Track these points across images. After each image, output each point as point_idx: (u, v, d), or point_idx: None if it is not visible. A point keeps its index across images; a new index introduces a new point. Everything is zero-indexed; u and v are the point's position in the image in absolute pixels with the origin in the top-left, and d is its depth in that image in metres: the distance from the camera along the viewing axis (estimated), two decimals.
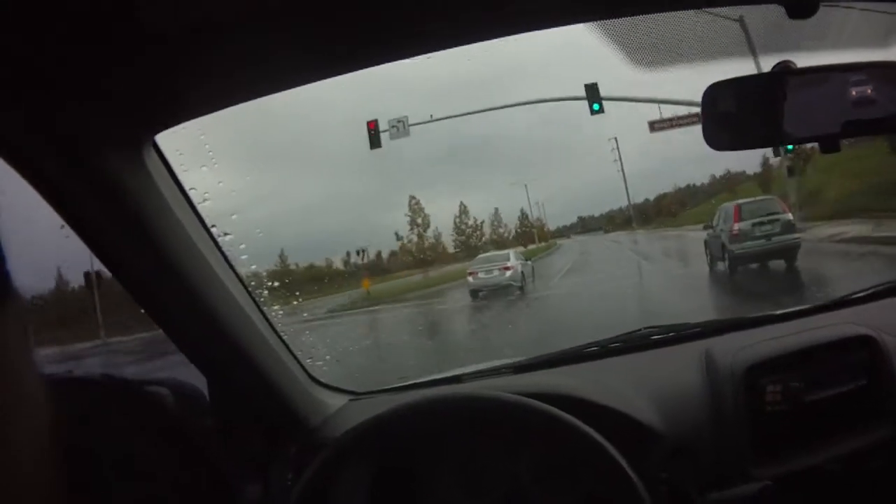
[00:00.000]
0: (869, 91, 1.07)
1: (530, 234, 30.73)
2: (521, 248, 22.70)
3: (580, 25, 1.11)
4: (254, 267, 1.60)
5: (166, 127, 1.14)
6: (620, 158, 27.06)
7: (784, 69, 1.06)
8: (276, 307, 1.67)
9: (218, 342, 1.34)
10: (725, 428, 1.47)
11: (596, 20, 1.16)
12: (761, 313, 1.83)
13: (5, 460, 0.41)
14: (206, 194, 1.34)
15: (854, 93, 1.07)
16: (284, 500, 1.34)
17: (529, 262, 17.22)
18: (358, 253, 20.11)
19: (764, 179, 21.33)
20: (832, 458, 1.46)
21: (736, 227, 11.31)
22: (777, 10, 1.03)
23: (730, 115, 1.11)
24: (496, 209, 31.22)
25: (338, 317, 15.31)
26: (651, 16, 1.26)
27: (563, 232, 33.28)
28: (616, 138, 26.52)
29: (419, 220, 28.33)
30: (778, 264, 11.05)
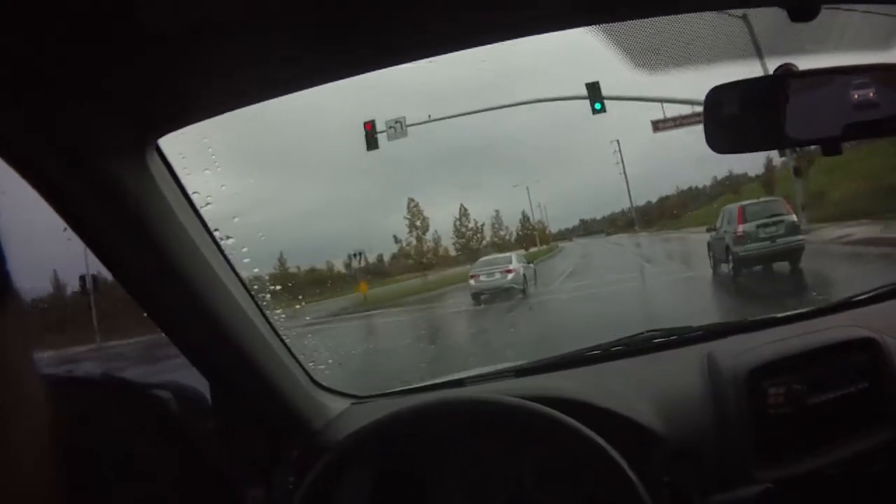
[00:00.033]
0: (870, 94, 1.07)
1: (531, 237, 30.72)
2: (522, 251, 22.64)
3: (582, 29, 1.11)
4: (256, 270, 1.61)
5: (169, 130, 1.14)
6: (622, 160, 27.04)
7: (786, 72, 1.06)
8: (278, 311, 1.67)
9: (220, 345, 1.34)
10: (728, 431, 1.47)
11: (597, 24, 1.17)
12: (764, 316, 1.83)
13: (5, 460, 0.42)
14: (209, 197, 1.34)
15: (856, 95, 1.07)
16: None
17: (531, 265, 17.18)
18: (355, 256, 20.03)
19: (768, 181, 21.21)
20: (834, 461, 1.45)
21: (740, 228, 11.19)
22: (779, 14, 1.04)
23: (732, 117, 1.11)
24: (497, 211, 31.21)
25: (340, 320, 15.29)
26: (652, 19, 1.26)
27: (565, 235, 33.18)
28: (618, 140, 26.48)
29: (418, 223, 28.32)
30: (783, 266, 10.95)
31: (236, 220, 1.62)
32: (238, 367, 1.39)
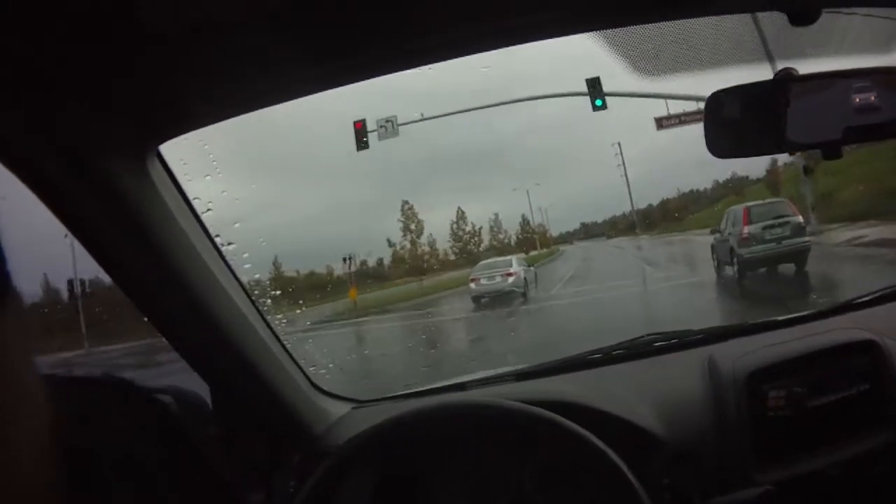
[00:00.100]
0: (872, 97, 1.07)
1: (532, 240, 30.70)
2: (522, 255, 22.61)
3: (582, 35, 1.12)
4: (257, 275, 1.61)
5: (170, 136, 1.14)
6: (624, 163, 27.06)
7: (786, 76, 1.06)
8: (279, 315, 1.67)
9: (221, 350, 1.34)
10: (728, 434, 1.47)
11: (597, 30, 1.17)
12: (764, 319, 1.83)
13: (5, 460, 0.42)
14: (210, 203, 1.35)
15: (857, 99, 1.07)
16: None
17: (532, 268, 17.17)
18: (344, 261, 19.77)
19: (773, 182, 21.05)
20: (834, 463, 1.45)
21: (745, 230, 11.10)
22: (779, 18, 1.04)
23: (732, 122, 1.11)
24: (496, 214, 31.17)
25: (339, 325, 15.26)
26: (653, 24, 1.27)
27: (566, 238, 33.17)
28: (619, 143, 26.51)
29: (412, 227, 28.25)
30: (788, 269, 10.84)
31: (237, 225, 1.62)
32: (239, 372, 1.39)
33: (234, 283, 1.37)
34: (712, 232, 13.06)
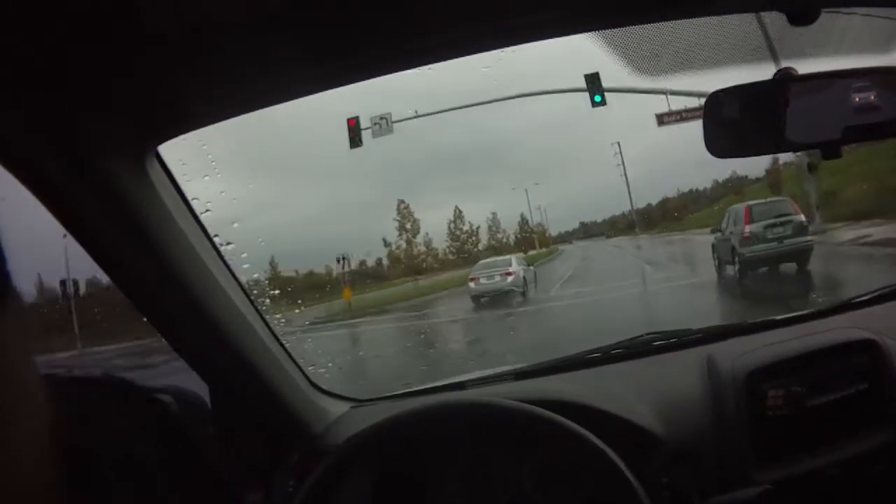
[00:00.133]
0: (871, 97, 1.07)
1: (531, 240, 30.69)
2: (521, 254, 22.60)
3: (583, 36, 1.12)
4: (255, 275, 1.61)
5: (169, 137, 1.14)
6: (623, 163, 27.06)
7: (786, 76, 1.06)
8: (277, 315, 1.67)
9: (220, 350, 1.34)
10: (727, 433, 1.47)
11: (597, 30, 1.17)
12: (763, 318, 1.83)
13: (5, 460, 0.42)
14: (209, 203, 1.35)
15: (856, 98, 1.07)
16: None
17: (531, 267, 17.17)
18: (338, 261, 19.64)
19: (774, 181, 20.92)
20: (834, 462, 1.45)
21: (747, 229, 11.00)
22: (778, 18, 1.04)
23: (732, 121, 1.11)
24: (494, 213, 31.14)
25: (338, 325, 15.25)
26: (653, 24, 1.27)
27: (565, 237, 33.15)
28: (619, 143, 26.50)
29: (408, 226, 28.22)
30: (790, 268, 10.74)
31: (235, 225, 1.62)
32: (238, 371, 1.39)
33: (233, 283, 1.37)
34: (713, 231, 12.96)
